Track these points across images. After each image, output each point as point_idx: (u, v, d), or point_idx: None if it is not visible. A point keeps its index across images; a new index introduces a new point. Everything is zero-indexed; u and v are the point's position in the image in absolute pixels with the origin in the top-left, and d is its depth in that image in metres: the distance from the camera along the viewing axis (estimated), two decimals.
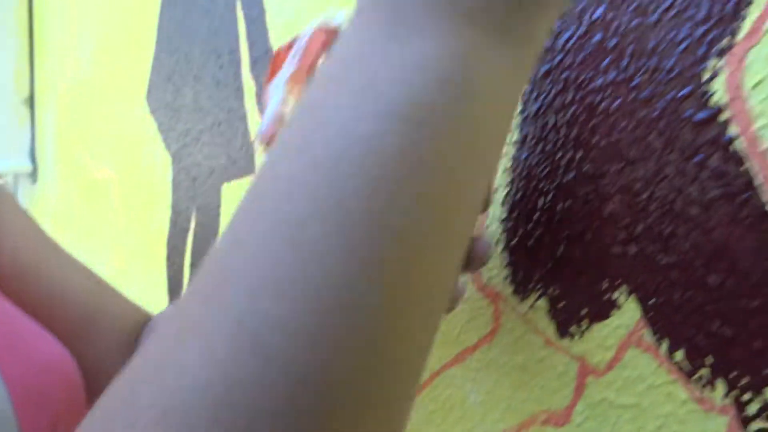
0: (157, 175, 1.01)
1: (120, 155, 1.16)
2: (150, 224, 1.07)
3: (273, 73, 0.43)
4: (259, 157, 0.72)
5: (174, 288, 0.97)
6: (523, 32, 0.21)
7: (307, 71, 0.40)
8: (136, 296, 0.58)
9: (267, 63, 0.70)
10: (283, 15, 0.66)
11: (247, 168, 0.75)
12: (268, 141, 0.42)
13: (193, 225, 0.91)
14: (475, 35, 0.20)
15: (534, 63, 0.23)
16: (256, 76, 0.72)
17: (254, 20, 0.71)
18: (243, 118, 0.75)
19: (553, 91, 0.39)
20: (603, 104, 0.37)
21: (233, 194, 0.80)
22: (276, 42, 0.68)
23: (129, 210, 1.14)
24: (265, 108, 0.42)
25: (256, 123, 0.73)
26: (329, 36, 0.40)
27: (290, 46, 0.42)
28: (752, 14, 0.30)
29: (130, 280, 1.12)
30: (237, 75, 0.75)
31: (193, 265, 0.91)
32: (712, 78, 0.32)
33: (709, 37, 0.32)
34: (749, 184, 0.31)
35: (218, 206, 0.84)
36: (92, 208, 1.30)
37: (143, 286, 1.07)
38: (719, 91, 0.31)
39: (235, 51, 0.75)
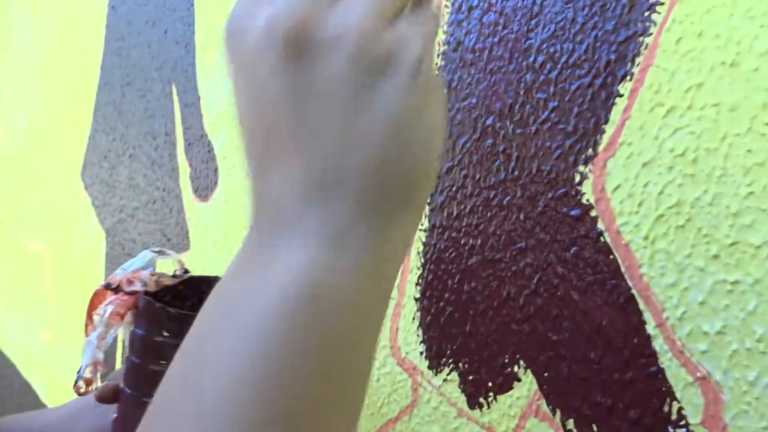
0: (91, 249, 1.01)
1: (52, 229, 1.15)
2: (82, 299, 1.05)
3: (90, 314, 0.47)
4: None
5: None
6: (369, 241, 0.23)
7: (122, 316, 0.44)
8: (65, 372, 0.58)
9: (202, 147, 0.73)
10: (218, 104, 0.70)
11: (182, 245, 0.77)
12: (87, 386, 0.46)
13: (158, 262, 0.91)
14: (317, 251, 0.22)
15: (397, 262, 0.25)
16: (191, 159, 0.75)
17: (189, 106, 0.75)
18: (178, 197, 0.78)
19: (455, 186, 0.44)
20: (496, 199, 0.42)
21: (169, 270, 0.81)
22: (210, 128, 0.72)
23: (60, 284, 1.12)
24: (84, 352, 0.46)
25: (190, 202, 0.76)
26: (131, 300, 0.45)
27: (107, 286, 0.47)
28: (609, 130, 0.36)
29: (59, 354, 1.09)
30: (172, 156, 0.78)
31: (124, 342, 0.90)
32: (581, 181, 0.37)
33: (577, 147, 0.37)
34: (617, 272, 0.36)
35: None
36: (23, 280, 1.27)
37: (73, 361, 1.05)
38: (588, 193, 0.37)
39: (170, 133, 0.79)
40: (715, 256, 0.32)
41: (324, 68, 0.22)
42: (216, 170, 0.71)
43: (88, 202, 1.01)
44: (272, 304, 0.22)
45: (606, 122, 0.36)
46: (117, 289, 0.48)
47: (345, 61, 0.22)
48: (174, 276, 0.49)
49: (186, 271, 0.51)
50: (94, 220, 0.99)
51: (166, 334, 0.41)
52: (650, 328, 0.34)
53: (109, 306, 0.45)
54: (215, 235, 0.71)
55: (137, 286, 0.46)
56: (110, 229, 0.95)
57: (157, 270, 0.49)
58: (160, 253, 0.51)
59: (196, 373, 0.22)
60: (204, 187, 0.73)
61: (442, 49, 0.45)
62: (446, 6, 0.45)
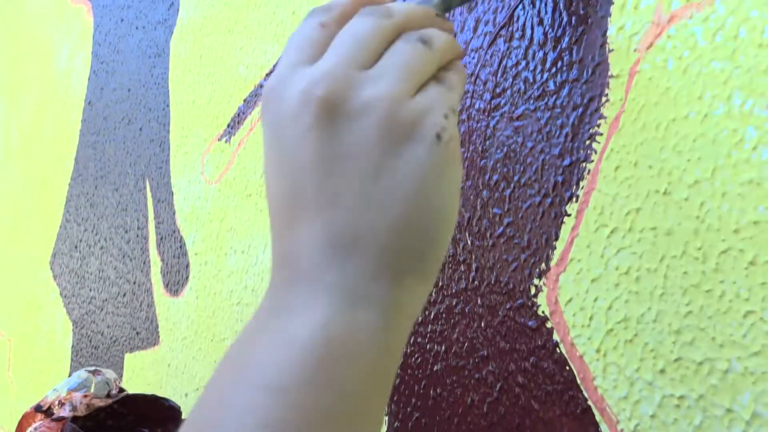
0: (57, 340, 0.99)
1: (17, 317, 1.13)
2: (44, 391, 1.03)
3: None
4: None
5: None
6: (385, 300, 0.24)
7: None
8: None
9: (174, 242, 0.74)
10: (191, 200, 0.72)
11: (151, 340, 0.77)
12: None
13: (93, 382, 0.89)
14: (335, 306, 0.23)
15: (410, 322, 0.26)
16: (163, 253, 0.76)
17: (162, 201, 0.76)
18: (148, 291, 0.78)
19: None
20: (458, 307, 0.43)
21: (137, 364, 0.80)
22: (183, 224, 0.73)
23: (24, 374, 1.09)
24: None
25: (161, 297, 0.76)
26: (58, 427, 0.46)
27: (37, 408, 0.48)
28: (559, 247, 0.38)
29: None
30: (144, 250, 0.79)
31: None
32: (536, 293, 0.39)
33: (532, 260, 0.39)
34: (573, 382, 0.37)
35: (121, 376, 0.83)
36: None
37: None
38: (543, 305, 0.39)
39: (143, 227, 0.80)
40: (662, 371, 0.33)
41: (353, 133, 0.24)
42: (187, 266, 0.71)
43: (56, 292, 1.01)
44: (292, 359, 0.23)
45: (556, 239, 0.38)
46: (47, 411, 0.48)
47: (373, 127, 0.24)
48: (108, 396, 0.49)
49: (121, 390, 0.51)
50: (61, 310, 0.98)
51: None
52: None
53: None
54: (185, 331, 0.71)
55: (66, 411, 0.45)
56: (78, 320, 0.93)
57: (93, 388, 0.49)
58: (95, 372, 0.51)
59: (215, 425, 0.22)
60: (175, 282, 0.73)
61: None
62: None
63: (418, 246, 0.25)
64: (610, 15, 0.36)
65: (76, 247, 0.95)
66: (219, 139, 0.69)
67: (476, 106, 0.43)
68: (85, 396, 0.52)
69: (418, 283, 0.25)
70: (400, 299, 0.25)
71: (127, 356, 0.82)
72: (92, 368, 0.55)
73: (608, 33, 0.36)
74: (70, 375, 0.95)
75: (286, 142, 0.25)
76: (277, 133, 0.25)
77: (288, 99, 0.25)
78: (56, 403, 0.51)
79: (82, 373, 0.55)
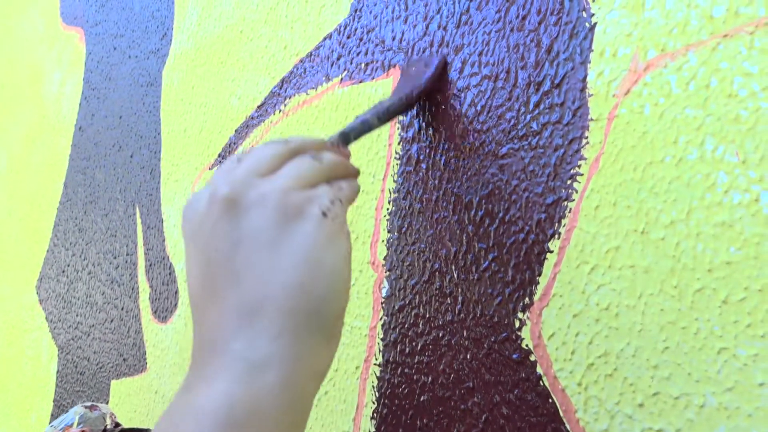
0: (42, 365, 0.98)
1: (1, 341, 1.12)
2: (28, 417, 1.01)
3: None
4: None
5: None
6: (286, 357, 0.27)
7: None
8: None
9: (163, 269, 0.74)
10: (180, 228, 0.73)
11: (138, 366, 0.77)
12: None
13: (76, 421, 0.89)
14: (237, 373, 0.26)
15: (315, 383, 0.28)
16: (152, 280, 0.76)
17: (152, 228, 0.77)
18: (136, 317, 0.78)
19: (407, 324, 0.47)
20: (445, 339, 0.44)
21: (123, 390, 0.80)
22: (172, 251, 0.73)
23: (7, 400, 1.08)
24: None
25: (149, 323, 0.76)
26: None
27: None
28: (542, 282, 0.40)
29: None
30: (133, 276, 0.79)
31: None
32: (520, 327, 0.40)
33: (516, 295, 0.41)
34: (556, 415, 0.38)
35: (107, 402, 0.83)
36: None
37: None
38: (527, 338, 0.40)
39: (132, 254, 0.80)
40: (641, 405, 0.35)
41: (251, 219, 0.28)
42: (176, 292, 0.72)
43: (41, 316, 1.00)
44: (200, 428, 0.25)
45: (539, 274, 0.40)
46: None
47: (268, 211, 0.28)
48: (105, 431, 0.50)
49: (117, 425, 0.52)
50: (47, 335, 0.98)
51: None
52: None
53: None
54: (174, 358, 0.71)
55: None
56: (64, 345, 0.93)
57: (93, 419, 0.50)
58: (92, 407, 0.52)
59: None
60: (163, 309, 0.74)
61: (393, 197, 0.49)
62: (396, 157, 0.49)
63: (314, 306, 0.28)
64: (590, 61, 0.38)
65: (63, 271, 0.95)
66: (210, 168, 0.70)
67: (462, 143, 0.44)
68: (83, 431, 0.53)
69: (321, 342, 0.28)
70: (302, 356, 0.27)
71: (114, 383, 0.81)
72: (89, 404, 0.55)
73: (588, 78, 0.38)
74: (54, 400, 0.94)
75: (200, 240, 0.29)
76: (194, 234, 0.30)
77: (199, 204, 0.30)
78: None
79: (79, 409, 0.55)
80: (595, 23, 0.38)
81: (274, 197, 0.29)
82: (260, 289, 0.27)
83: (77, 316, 0.90)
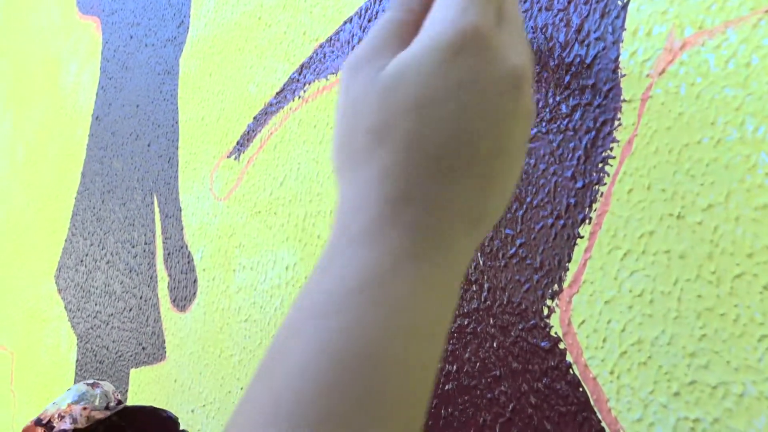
0: (61, 354, 0.99)
1: (19, 331, 1.13)
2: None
3: None
4: None
5: None
6: (441, 250, 0.25)
7: None
8: None
9: (181, 257, 0.74)
10: (199, 216, 0.72)
11: (157, 355, 0.77)
12: None
13: (91, 395, 0.89)
14: (392, 254, 0.24)
15: (459, 273, 0.26)
16: (170, 268, 0.76)
17: (170, 217, 0.77)
18: (155, 306, 0.78)
19: None
20: (470, 327, 0.44)
21: (143, 379, 0.80)
22: (191, 239, 0.73)
23: (26, 389, 1.09)
24: None
25: (168, 312, 0.76)
26: None
27: (38, 422, 0.48)
28: (572, 268, 0.39)
29: None
30: (151, 265, 0.79)
31: None
32: (549, 314, 0.39)
33: (544, 282, 0.40)
34: (587, 404, 0.37)
35: (126, 390, 0.83)
36: None
37: None
38: (556, 326, 0.39)
39: (150, 243, 0.80)
40: (677, 394, 0.34)
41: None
42: (195, 281, 0.72)
43: (60, 306, 1.01)
44: (333, 298, 0.24)
45: (569, 260, 0.39)
46: (48, 425, 0.48)
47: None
48: (107, 408, 0.49)
49: (120, 402, 0.51)
50: (65, 324, 0.98)
51: None
52: None
53: None
54: (192, 347, 0.71)
55: (67, 424, 0.46)
56: (83, 334, 0.93)
57: (93, 401, 0.50)
58: (94, 385, 0.52)
59: (273, 366, 0.24)
60: (182, 298, 0.73)
61: None
62: None
63: (474, 156, 0.25)
64: (622, 40, 0.37)
65: (81, 261, 0.95)
66: (228, 156, 0.69)
67: None
68: (85, 408, 0.52)
69: (465, 237, 0.26)
70: (453, 251, 0.25)
71: (133, 371, 0.82)
72: (91, 381, 0.55)
73: (621, 58, 0.37)
74: None
75: (353, 97, 0.27)
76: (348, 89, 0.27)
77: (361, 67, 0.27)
78: (56, 416, 0.52)
79: (81, 386, 0.55)
80: (628, 1, 0.37)
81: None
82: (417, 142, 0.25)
83: (96, 305, 0.90)
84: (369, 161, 0.26)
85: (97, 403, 0.54)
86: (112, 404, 0.56)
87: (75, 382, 0.95)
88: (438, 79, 0.25)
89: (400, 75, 0.25)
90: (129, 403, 0.83)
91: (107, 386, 0.58)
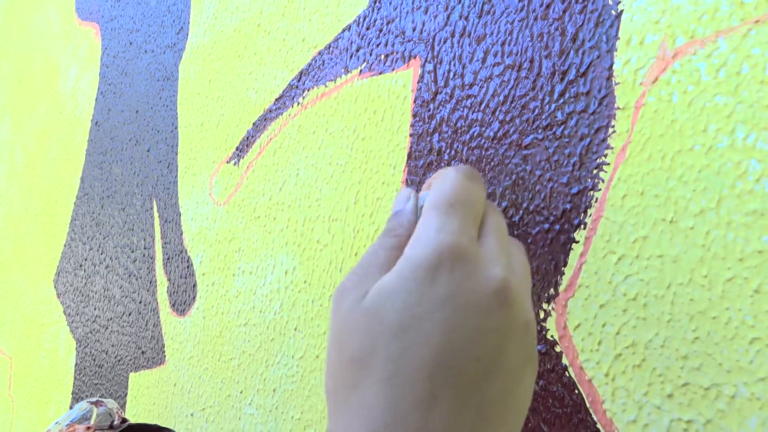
0: (59, 359, 0.99)
1: (18, 336, 1.13)
2: (46, 410, 1.02)
3: None
4: None
5: None
6: None
7: None
8: None
9: (181, 262, 0.75)
10: (198, 221, 0.73)
11: (157, 359, 0.77)
12: None
13: (95, 414, 0.89)
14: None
15: None
16: (169, 273, 0.76)
17: (170, 222, 0.77)
18: (155, 310, 0.78)
19: None
20: None
21: (142, 383, 0.80)
22: (190, 244, 0.74)
23: (25, 394, 1.09)
24: None
25: (167, 316, 0.76)
26: None
27: None
28: (568, 273, 0.39)
29: None
30: (150, 269, 0.80)
31: None
32: (545, 318, 0.40)
33: (541, 285, 0.40)
34: (582, 406, 0.38)
35: (125, 395, 0.83)
36: None
37: None
38: (552, 329, 0.40)
39: (149, 247, 0.80)
40: (670, 396, 0.34)
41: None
42: (194, 285, 0.72)
43: (59, 310, 1.01)
44: None
45: (565, 265, 0.39)
46: None
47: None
48: (111, 427, 0.50)
49: (124, 421, 0.52)
50: (64, 328, 0.98)
51: None
52: None
53: None
54: (192, 351, 0.72)
55: None
56: (82, 339, 0.94)
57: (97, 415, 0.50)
58: (97, 403, 0.52)
59: None
60: (182, 302, 0.74)
61: (415, 188, 0.49)
62: (416, 148, 0.49)
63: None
64: (616, 49, 0.38)
65: (80, 265, 0.95)
66: (227, 162, 0.70)
67: (485, 134, 0.44)
68: (88, 428, 0.53)
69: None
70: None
71: (132, 375, 0.82)
72: (94, 399, 0.55)
73: (615, 66, 0.38)
74: (72, 393, 0.95)
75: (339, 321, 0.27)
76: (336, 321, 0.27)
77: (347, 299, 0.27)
78: None
79: (83, 405, 0.55)
80: (622, 11, 0.38)
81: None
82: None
83: (95, 309, 0.91)
84: (352, 395, 0.25)
85: (99, 421, 0.54)
86: (116, 422, 0.56)
87: (74, 387, 0.95)
88: (416, 298, 0.25)
89: (381, 300, 0.25)
90: (129, 405, 0.84)
91: (111, 404, 0.58)
